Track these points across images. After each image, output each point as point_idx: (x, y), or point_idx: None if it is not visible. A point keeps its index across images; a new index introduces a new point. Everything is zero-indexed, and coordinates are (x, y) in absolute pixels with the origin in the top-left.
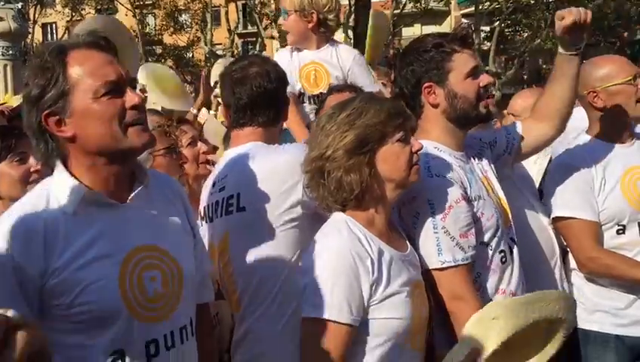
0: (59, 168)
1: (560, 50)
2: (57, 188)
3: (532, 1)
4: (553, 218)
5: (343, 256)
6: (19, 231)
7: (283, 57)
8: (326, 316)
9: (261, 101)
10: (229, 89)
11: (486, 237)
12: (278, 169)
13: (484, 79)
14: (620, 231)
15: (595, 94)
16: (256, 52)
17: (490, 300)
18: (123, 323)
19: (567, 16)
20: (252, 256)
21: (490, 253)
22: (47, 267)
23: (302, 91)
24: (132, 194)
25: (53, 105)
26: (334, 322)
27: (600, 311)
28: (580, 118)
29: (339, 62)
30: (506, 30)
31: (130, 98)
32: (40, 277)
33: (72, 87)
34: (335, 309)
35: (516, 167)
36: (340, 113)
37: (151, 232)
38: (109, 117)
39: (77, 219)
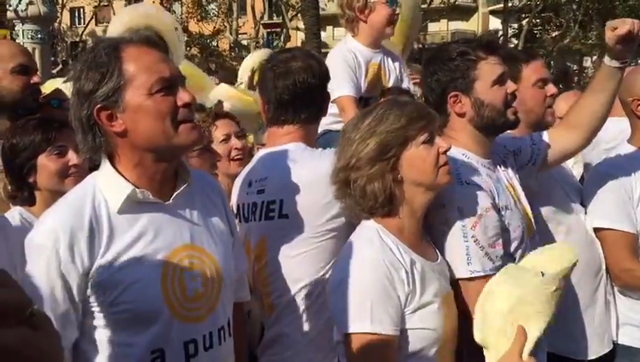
0: (105, 164)
1: (606, 60)
2: (103, 185)
3: (562, 0)
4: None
5: (377, 266)
6: (64, 228)
7: (348, 55)
8: (371, 330)
9: (305, 97)
10: (271, 83)
11: (511, 248)
12: (322, 177)
13: (512, 86)
14: None
15: (638, 102)
16: (280, 43)
17: None
18: (164, 322)
19: (622, 26)
20: (290, 263)
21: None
22: (91, 265)
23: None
24: (175, 193)
25: (107, 99)
26: (380, 335)
27: (630, 324)
28: (616, 129)
29: (393, 65)
30: (535, 29)
31: (182, 96)
32: (84, 275)
33: (127, 82)
34: (378, 322)
35: (565, 175)
36: (362, 121)
37: (192, 232)
38: (161, 113)
39: (121, 217)
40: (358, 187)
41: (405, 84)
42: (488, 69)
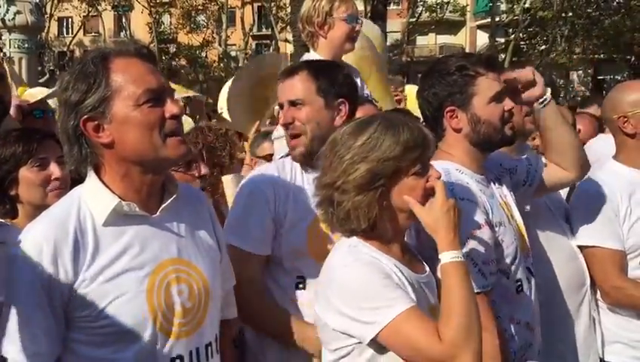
0: (91, 176)
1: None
2: (89, 197)
3: (549, 15)
4: (578, 246)
5: (369, 263)
6: (48, 241)
7: None
8: (398, 312)
9: None
10: None
11: (504, 265)
12: None
13: (509, 103)
14: None
15: (625, 119)
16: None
17: (505, 329)
18: (149, 338)
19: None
20: None
21: (507, 281)
22: (76, 278)
23: None
24: (162, 206)
25: (93, 110)
26: (411, 309)
27: (619, 342)
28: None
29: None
30: (522, 43)
31: (170, 108)
32: (68, 288)
33: (114, 93)
34: (399, 301)
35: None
36: (354, 140)
37: (179, 245)
38: (149, 125)
39: (107, 230)
40: (343, 210)
41: None
42: (486, 85)
